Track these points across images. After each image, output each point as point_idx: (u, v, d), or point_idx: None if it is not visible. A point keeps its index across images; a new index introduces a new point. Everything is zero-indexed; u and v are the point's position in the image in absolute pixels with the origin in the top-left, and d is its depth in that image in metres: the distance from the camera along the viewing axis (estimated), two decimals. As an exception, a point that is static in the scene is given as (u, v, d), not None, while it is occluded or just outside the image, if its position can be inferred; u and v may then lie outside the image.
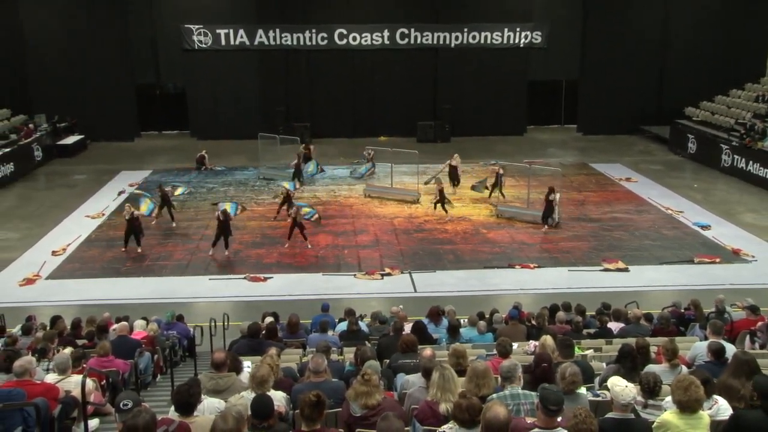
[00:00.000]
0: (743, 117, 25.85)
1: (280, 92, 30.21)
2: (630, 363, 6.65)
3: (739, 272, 15.74)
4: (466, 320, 10.50)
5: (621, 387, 4.96)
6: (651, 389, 5.48)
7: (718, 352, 6.94)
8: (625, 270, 15.90)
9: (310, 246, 17.29)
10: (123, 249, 17.09)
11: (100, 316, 11.33)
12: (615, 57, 30.34)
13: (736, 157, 24.05)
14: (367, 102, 30.78)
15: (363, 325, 10.62)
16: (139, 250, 17.03)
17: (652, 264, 16.27)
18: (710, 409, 5.23)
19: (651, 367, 6.48)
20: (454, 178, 22.00)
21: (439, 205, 19.48)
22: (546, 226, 18.56)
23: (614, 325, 10.58)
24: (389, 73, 30.55)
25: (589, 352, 8.46)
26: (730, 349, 7.23)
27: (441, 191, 19.50)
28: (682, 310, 11.56)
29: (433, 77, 31.01)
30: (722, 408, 5.30)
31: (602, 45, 30.46)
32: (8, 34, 28.04)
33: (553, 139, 31.02)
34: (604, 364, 7.58)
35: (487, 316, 11.34)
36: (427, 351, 6.51)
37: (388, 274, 15.73)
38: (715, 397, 5.39)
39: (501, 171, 20.48)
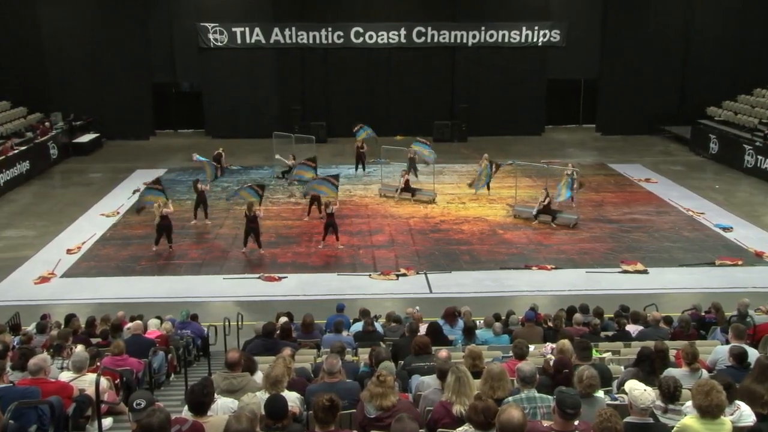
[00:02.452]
0: (767, 117, 25.54)
1: (296, 91, 30.30)
2: (649, 366, 6.60)
3: (762, 275, 15.54)
4: (481, 322, 10.47)
5: (639, 391, 4.92)
6: (671, 394, 5.43)
7: (740, 357, 6.84)
8: (644, 272, 15.77)
9: (341, 246, 17.24)
10: (154, 248, 17.00)
11: (115, 315, 11.42)
12: (635, 55, 30.12)
13: (759, 157, 23.74)
14: (384, 101, 30.78)
15: (378, 326, 10.61)
16: (171, 248, 17.06)
17: (672, 266, 16.12)
18: (732, 414, 5.16)
19: (670, 371, 6.42)
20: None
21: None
22: (537, 221, 18.96)
23: (633, 328, 10.50)
24: (406, 72, 30.52)
25: (607, 355, 8.38)
26: (753, 354, 7.14)
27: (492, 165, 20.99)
28: (703, 313, 11.44)
29: (450, 76, 30.97)
30: (745, 414, 5.23)
31: (622, 43, 30.22)
32: (26, 32, 28.35)
33: (571, 139, 30.86)
34: (622, 368, 7.52)
35: (503, 317, 11.32)
36: (442, 352, 6.50)
37: (404, 275, 15.71)
38: (738, 402, 5.31)
39: (570, 171, 19.79)
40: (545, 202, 18.89)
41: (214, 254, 17.03)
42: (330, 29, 29.86)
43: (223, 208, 20.27)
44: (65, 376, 7.11)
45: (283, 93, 30.24)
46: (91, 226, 19.12)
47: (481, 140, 28.87)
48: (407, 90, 30.52)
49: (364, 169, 24.34)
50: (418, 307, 11.91)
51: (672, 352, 7.40)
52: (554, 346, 7.90)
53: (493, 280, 15.43)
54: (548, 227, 18.79)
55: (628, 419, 4.91)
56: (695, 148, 27.69)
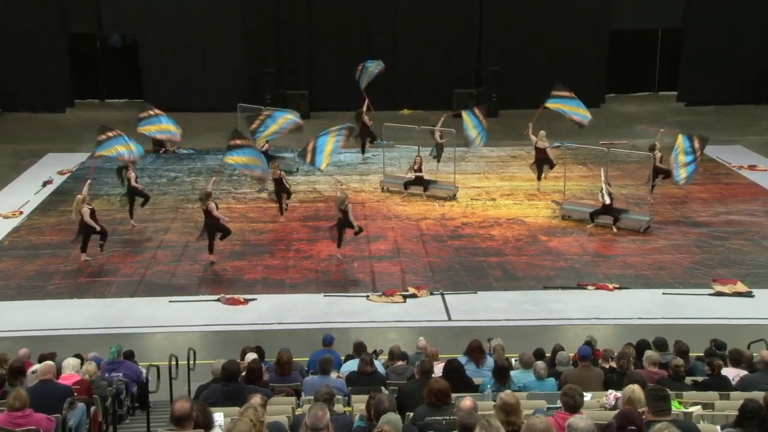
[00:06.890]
0: None
1: (269, 49, 30.44)
2: (758, 426, 6.55)
3: None
4: (518, 360, 10.50)
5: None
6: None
7: None
8: (748, 294, 15.73)
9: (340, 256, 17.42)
10: (84, 259, 17.15)
11: (15, 354, 11.36)
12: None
13: None
14: (386, 63, 30.66)
15: (379, 365, 10.66)
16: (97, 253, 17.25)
17: (789, 287, 16.14)
18: None
19: (790, 435, 6.37)
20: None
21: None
22: (593, 223, 19.07)
23: (732, 372, 10.46)
24: (416, 24, 30.62)
25: (696, 409, 8.34)
26: None
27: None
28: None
29: (477, 29, 31.03)
30: None
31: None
32: None
33: (643, 112, 30.89)
34: (718, 428, 7.50)
35: (548, 354, 11.37)
36: (465, 402, 6.52)
37: (413, 296, 15.76)
38: None
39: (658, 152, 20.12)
40: (605, 199, 18.78)
41: (156, 269, 17.04)
42: (314, -35, 30.00)
43: (169, 207, 20.28)
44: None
45: (251, 51, 30.33)
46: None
47: (516, 115, 28.80)
48: (418, 48, 30.58)
49: (363, 153, 24.33)
50: (421, 338, 11.94)
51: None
52: (619, 395, 7.86)
53: (534, 304, 15.48)
54: (609, 232, 18.80)
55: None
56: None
